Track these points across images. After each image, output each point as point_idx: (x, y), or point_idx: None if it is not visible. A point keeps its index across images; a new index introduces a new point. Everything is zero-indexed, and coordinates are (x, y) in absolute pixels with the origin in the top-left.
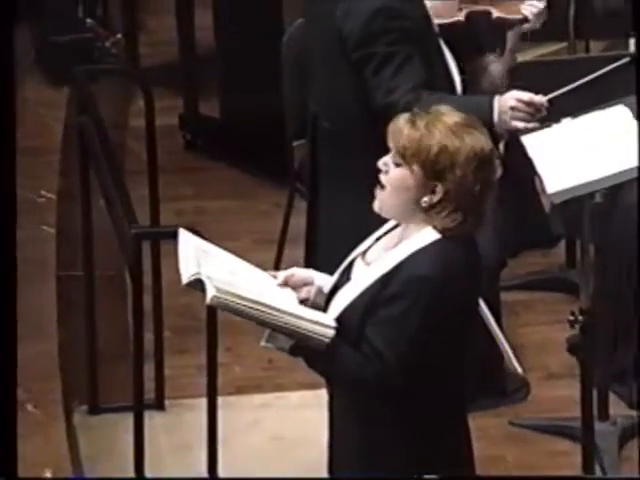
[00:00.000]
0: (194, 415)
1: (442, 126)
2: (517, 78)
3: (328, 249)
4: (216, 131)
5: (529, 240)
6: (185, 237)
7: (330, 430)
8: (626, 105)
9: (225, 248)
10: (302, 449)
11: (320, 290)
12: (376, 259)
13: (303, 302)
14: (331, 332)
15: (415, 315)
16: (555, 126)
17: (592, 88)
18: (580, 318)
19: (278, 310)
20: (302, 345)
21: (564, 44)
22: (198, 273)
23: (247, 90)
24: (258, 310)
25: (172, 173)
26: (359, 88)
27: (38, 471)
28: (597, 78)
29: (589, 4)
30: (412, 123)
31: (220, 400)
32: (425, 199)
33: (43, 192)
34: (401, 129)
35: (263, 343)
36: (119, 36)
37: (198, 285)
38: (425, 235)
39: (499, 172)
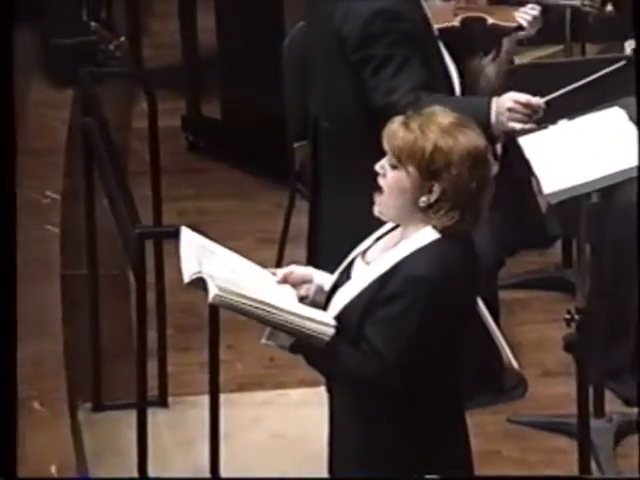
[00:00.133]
0: (197, 412)
1: (436, 127)
2: (514, 80)
3: (329, 249)
4: (218, 132)
5: (526, 240)
6: (187, 235)
7: (330, 428)
8: (621, 107)
9: (227, 248)
10: (302, 446)
11: (321, 288)
12: (375, 259)
13: (302, 299)
14: (331, 330)
15: (413, 315)
16: (552, 127)
17: (588, 90)
18: (576, 317)
19: (279, 308)
20: (302, 343)
21: (560, 47)
22: (200, 272)
23: (249, 92)
24: (259, 308)
25: (175, 174)
26: (358, 89)
27: (43, 467)
28: (593, 80)
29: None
30: (406, 125)
31: (222, 397)
32: (423, 199)
33: (48, 192)
34: (395, 132)
35: (264, 341)
36: (123, 39)
37: (200, 284)
38: (424, 235)
39: (494, 169)
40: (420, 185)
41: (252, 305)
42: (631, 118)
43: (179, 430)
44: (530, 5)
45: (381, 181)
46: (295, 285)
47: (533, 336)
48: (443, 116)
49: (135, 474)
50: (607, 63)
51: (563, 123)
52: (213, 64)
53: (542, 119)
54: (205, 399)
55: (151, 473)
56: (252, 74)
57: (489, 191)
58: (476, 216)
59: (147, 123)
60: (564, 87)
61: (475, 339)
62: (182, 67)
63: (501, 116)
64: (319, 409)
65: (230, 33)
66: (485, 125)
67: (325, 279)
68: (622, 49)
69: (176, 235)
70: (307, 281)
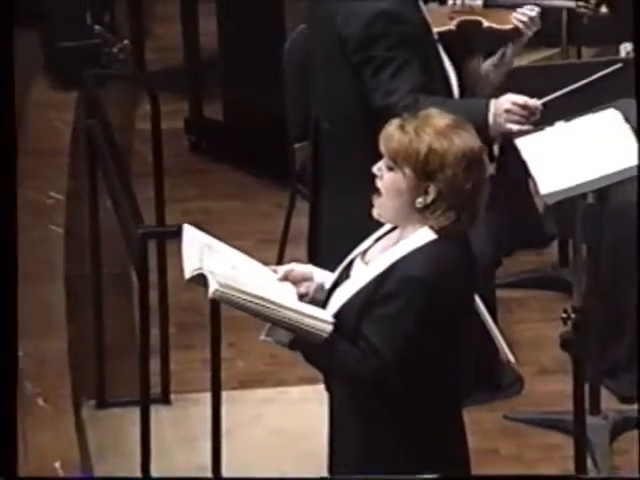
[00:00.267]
0: (199, 409)
1: (431, 129)
2: (512, 82)
3: (330, 249)
4: (220, 134)
5: (523, 240)
6: (189, 232)
7: (330, 427)
8: (617, 108)
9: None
10: (303, 442)
11: (321, 286)
12: (374, 259)
13: (302, 297)
14: (329, 327)
15: (410, 313)
16: (548, 129)
17: (584, 92)
18: (572, 315)
19: (278, 305)
20: (301, 340)
21: (557, 50)
22: (200, 268)
23: (250, 94)
24: (258, 304)
25: (177, 175)
26: (359, 91)
27: (48, 463)
28: (590, 82)
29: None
30: (402, 128)
31: (224, 394)
32: (419, 200)
33: (52, 193)
34: (391, 134)
35: (263, 337)
36: (126, 42)
37: (200, 279)
38: (421, 235)
39: (491, 170)
40: (416, 186)
41: (251, 301)
42: (627, 120)
43: (182, 427)
44: (528, 7)
45: (379, 183)
46: (296, 282)
47: (530, 334)
48: (439, 118)
49: (138, 470)
50: (603, 66)
51: (560, 125)
52: (215, 66)
53: (539, 121)
54: (207, 396)
55: (154, 469)
56: (253, 76)
57: (485, 192)
58: (472, 216)
59: (150, 125)
60: (561, 89)
61: (473, 337)
62: (184, 69)
63: (499, 117)
64: (319, 406)
65: (231, 36)
66: (483, 126)
67: (326, 277)
68: (617, 52)
69: (178, 235)
70: (307, 279)
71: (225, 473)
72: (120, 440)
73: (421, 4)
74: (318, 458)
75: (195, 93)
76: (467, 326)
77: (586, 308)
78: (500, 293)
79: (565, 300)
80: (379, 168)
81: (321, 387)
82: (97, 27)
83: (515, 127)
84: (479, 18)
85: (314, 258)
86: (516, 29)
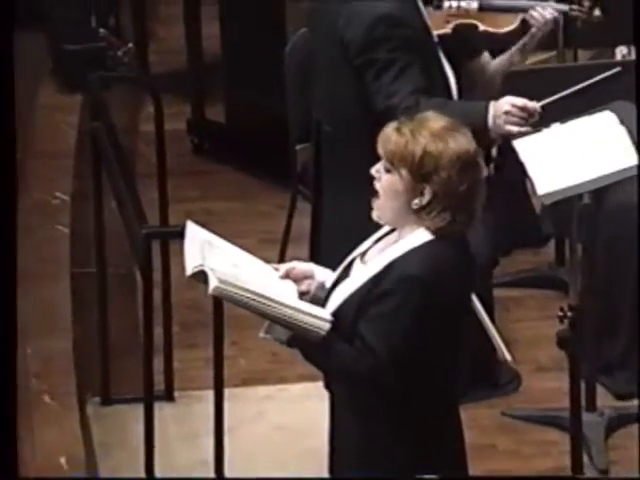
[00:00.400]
0: (202, 406)
1: (427, 132)
2: (510, 85)
3: (331, 249)
4: (222, 135)
5: (520, 239)
6: (192, 230)
7: (330, 426)
8: (612, 111)
9: None
10: (304, 438)
11: (322, 285)
12: (372, 259)
13: (303, 295)
14: (327, 325)
15: (405, 313)
16: (545, 131)
17: (581, 95)
18: (569, 314)
19: (277, 302)
20: (299, 337)
21: (553, 53)
22: (202, 265)
23: (251, 96)
24: (257, 301)
25: (180, 176)
26: (360, 93)
27: (53, 459)
28: (588, 85)
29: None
30: (398, 130)
31: (226, 392)
32: (415, 201)
33: (58, 194)
34: (389, 136)
35: (262, 334)
36: (130, 45)
37: (201, 276)
38: (417, 236)
39: (489, 171)
40: (412, 188)
41: (251, 298)
42: (622, 121)
43: (185, 423)
44: (547, 8)
45: (377, 184)
46: (297, 280)
47: (527, 333)
48: (435, 121)
49: (142, 466)
50: (601, 69)
51: (556, 126)
52: (217, 69)
53: (536, 123)
54: (210, 394)
55: (157, 465)
56: (255, 79)
57: (481, 193)
58: (468, 217)
59: (153, 127)
60: (559, 92)
61: (471, 336)
62: (187, 72)
63: (498, 119)
64: (320, 403)
65: (234, 39)
66: (482, 128)
67: (327, 276)
68: (613, 55)
69: (181, 235)
70: (309, 277)
71: (227, 469)
72: (124, 436)
73: (422, 8)
74: (319, 454)
75: (198, 95)
76: (464, 325)
77: (582, 307)
78: (498, 292)
79: (561, 299)
80: (377, 170)
81: (321, 384)
82: (102, 30)
83: (514, 129)
84: (475, 22)
85: (316, 257)
86: (512, 32)
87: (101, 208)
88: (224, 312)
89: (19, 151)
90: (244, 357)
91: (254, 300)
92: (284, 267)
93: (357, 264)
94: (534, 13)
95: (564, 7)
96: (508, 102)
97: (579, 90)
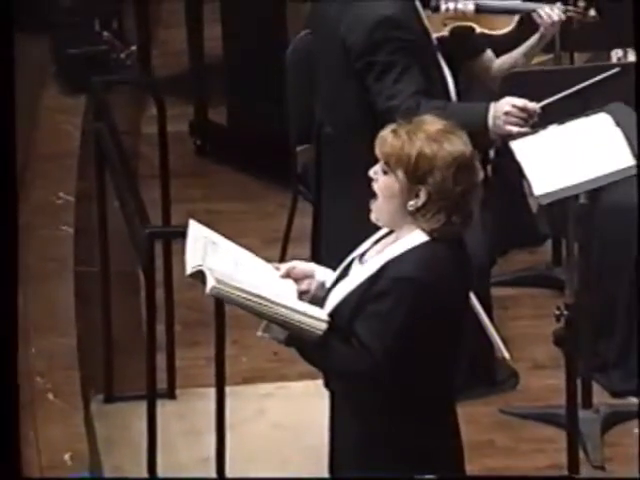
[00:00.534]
0: (203, 404)
1: (422, 134)
2: (509, 86)
3: (332, 249)
4: (224, 137)
5: (518, 239)
6: (194, 229)
7: (331, 425)
8: (608, 112)
9: None
10: (304, 436)
11: (322, 284)
12: (370, 259)
13: (304, 294)
14: (323, 325)
15: (400, 312)
16: (542, 132)
17: (581, 96)
18: (565, 312)
19: (274, 302)
20: (296, 337)
21: (550, 55)
22: (200, 265)
23: (253, 98)
24: (254, 301)
25: (183, 176)
26: (362, 96)
27: (58, 455)
28: (586, 86)
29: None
30: (395, 132)
31: (228, 390)
32: (411, 203)
33: (62, 194)
34: (385, 138)
35: (259, 333)
36: (133, 48)
37: (200, 276)
38: (413, 237)
39: (486, 172)
40: (408, 189)
41: (247, 298)
42: (617, 123)
43: (187, 421)
44: (556, 10)
45: (375, 186)
46: (297, 280)
47: (524, 331)
48: (431, 123)
49: (145, 463)
50: (599, 71)
51: (552, 128)
52: (219, 71)
53: (534, 124)
54: (211, 391)
55: (160, 461)
56: (256, 81)
57: (476, 195)
58: (464, 219)
59: (156, 128)
60: (558, 93)
61: (469, 334)
62: (189, 75)
63: (498, 120)
64: (320, 401)
65: (235, 42)
66: (483, 129)
67: (327, 275)
68: (609, 58)
69: (184, 235)
70: (309, 276)
71: (229, 466)
72: (127, 433)
73: (421, 11)
74: (319, 452)
75: (200, 97)
76: (462, 325)
77: (578, 305)
78: (495, 291)
79: (558, 298)
80: (375, 172)
81: (321, 382)
82: (105, 33)
83: (514, 129)
84: (471, 24)
85: (317, 257)
86: (508, 34)
87: (104, 208)
88: (225, 311)
89: (24, 152)
90: (245, 355)
91: (251, 300)
92: (285, 266)
93: (356, 264)
94: (542, 12)
95: (560, 8)
96: (508, 103)
97: (578, 91)
